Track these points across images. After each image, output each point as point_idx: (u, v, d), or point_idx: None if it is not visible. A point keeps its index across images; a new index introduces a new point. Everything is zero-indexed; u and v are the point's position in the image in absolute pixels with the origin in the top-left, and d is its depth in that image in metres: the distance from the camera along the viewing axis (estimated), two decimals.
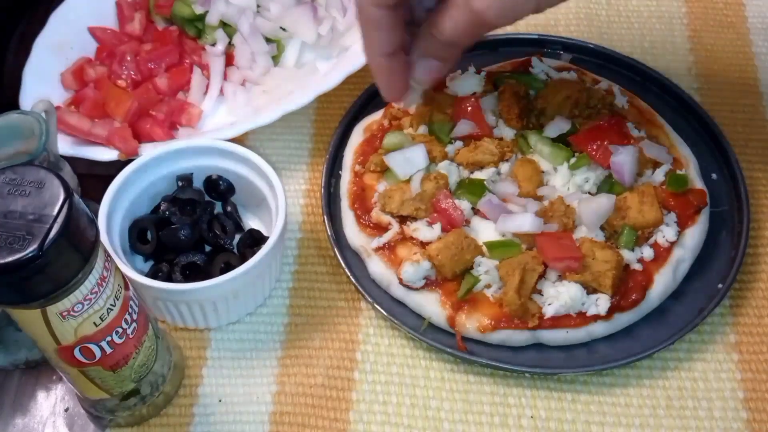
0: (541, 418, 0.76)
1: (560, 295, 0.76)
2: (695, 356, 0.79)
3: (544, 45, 0.98)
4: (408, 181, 0.82)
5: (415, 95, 0.79)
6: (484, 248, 0.79)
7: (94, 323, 0.62)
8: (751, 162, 0.91)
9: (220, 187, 0.85)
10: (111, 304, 0.62)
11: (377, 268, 0.81)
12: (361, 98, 0.94)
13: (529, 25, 1.02)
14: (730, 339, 0.80)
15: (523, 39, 0.98)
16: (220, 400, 0.78)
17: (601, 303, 0.77)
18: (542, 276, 0.78)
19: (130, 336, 0.66)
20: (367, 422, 0.76)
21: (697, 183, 0.84)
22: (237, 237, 0.84)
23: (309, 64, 0.96)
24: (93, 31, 0.99)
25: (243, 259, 0.78)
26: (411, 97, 0.79)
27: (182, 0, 0.98)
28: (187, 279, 0.80)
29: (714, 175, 0.88)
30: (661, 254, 0.79)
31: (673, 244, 0.80)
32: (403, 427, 0.76)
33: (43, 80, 0.93)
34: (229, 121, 0.93)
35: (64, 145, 0.87)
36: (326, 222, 0.85)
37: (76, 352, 0.63)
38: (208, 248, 0.84)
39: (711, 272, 0.82)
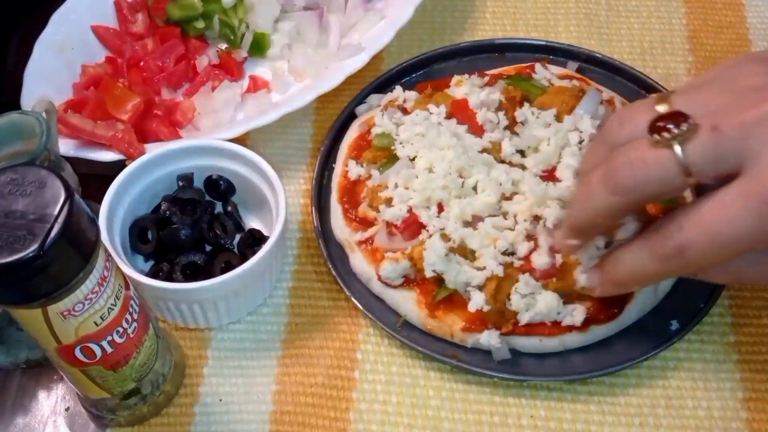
0: (541, 417, 0.76)
1: (536, 303, 0.76)
2: (695, 356, 0.79)
3: (551, 52, 0.97)
4: None
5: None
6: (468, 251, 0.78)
7: (95, 323, 0.62)
8: None
9: (220, 187, 0.85)
10: (112, 304, 0.62)
11: (359, 262, 0.81)
12: (362, 93, 0.94)
13: (529, 25, 1.02)
14: (729, 339, 0.80)
15: (530, 45, 0.98)
16: (220, 400, 0.78)
17: (576, 314, 0.76)
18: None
19: (131, 335, 0.66)
20: (368, 421, 0.76)
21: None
22: (237, 237, 0.84)
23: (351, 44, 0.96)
24: (96, 30, 0.99)
25: (243, 258, 0.78)
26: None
27: (174, 2, 0.98)
28: (187, 278, 0.80)
29: None
30: None
31: None
32: (403, 426, 0.76)
33: (43, 80, 0.93)
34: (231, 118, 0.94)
35: (66, 147, 0.86)
36: (314, 214, 0.85)
37: (77, 352, 0.63)
38: (208, 248, 0.84)
39: (696, 291, 0.80)
